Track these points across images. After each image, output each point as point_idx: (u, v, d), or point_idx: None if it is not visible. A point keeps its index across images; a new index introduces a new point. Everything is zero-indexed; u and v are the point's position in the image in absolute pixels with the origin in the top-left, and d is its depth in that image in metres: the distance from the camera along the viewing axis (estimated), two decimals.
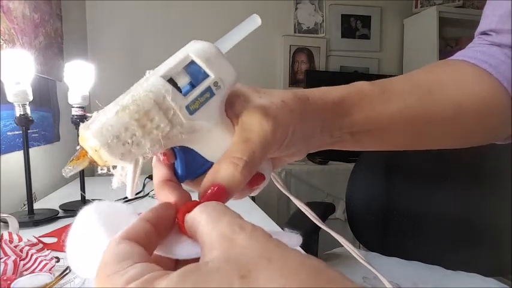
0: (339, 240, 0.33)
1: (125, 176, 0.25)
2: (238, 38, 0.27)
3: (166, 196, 0.25)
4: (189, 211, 0.22)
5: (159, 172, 0.27)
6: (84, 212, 0.24)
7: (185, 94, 0.24)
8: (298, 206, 0.33)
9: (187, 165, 0.26)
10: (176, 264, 0.23)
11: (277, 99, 0.28)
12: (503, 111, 0.36)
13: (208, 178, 0.24)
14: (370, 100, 0.32)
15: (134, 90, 0.23)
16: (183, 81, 0.24)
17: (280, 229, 0.88)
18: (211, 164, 0.26)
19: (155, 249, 0.21)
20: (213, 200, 0.23)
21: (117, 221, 0.24)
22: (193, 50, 0.25)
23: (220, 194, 0.24)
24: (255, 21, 0.27)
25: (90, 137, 0.22)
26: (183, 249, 0.21)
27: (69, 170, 0.24)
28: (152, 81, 0.23)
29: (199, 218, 0.20)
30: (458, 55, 0.39)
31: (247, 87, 0.28)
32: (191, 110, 0.24)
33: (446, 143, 0.38)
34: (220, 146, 0.26)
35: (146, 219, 0.21)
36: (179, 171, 0.26)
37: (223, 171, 0.24)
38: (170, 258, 0.22)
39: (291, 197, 0.32)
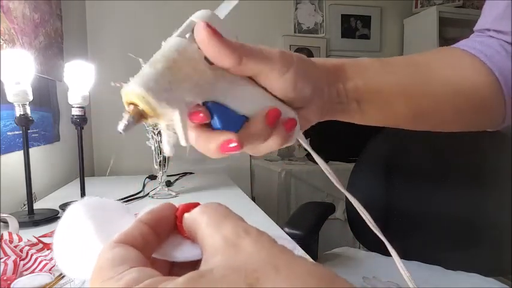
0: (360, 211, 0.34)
1: (173, 132, 0.26)
2: (225, 13, 0.30)
3: None
4: (188, 211, 0.21)
5: None
6: (72, 208, 0.24)
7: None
8: (319, 164, 0.35)
9: (223, 120, 0.27)
10: (171, 266, 0.22)
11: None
12: (494, 100, 0.38)
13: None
14: (370, 70, 0.34)
15: (159, 51, 0.26)
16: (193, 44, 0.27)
17: (280, 229, 0.88)
18: (245, 117, 0.28)
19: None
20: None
21: (108, 216, 0.24)
22: (196, 16, 0.28)
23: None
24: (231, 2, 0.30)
25: (134, 86, 0.24)
26: (182, 252, 0.21)
27: (124, 126, 0.25)
28: (171, 41, 0.27)
29: (200, 219, 0.19)
30: (458, 44, 0.42)
31: None
32: (209, 61, 0.26)
33: (442, 123, 0.41)
34: (246, 97, 0.28)
35: (144, 222, 0.20)
36: (219, 126, 0.27)
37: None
38: (166, 260, 0.21)
39: (313, 154, 0.34)
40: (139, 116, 0.25)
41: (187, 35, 0.27)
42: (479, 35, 0.42)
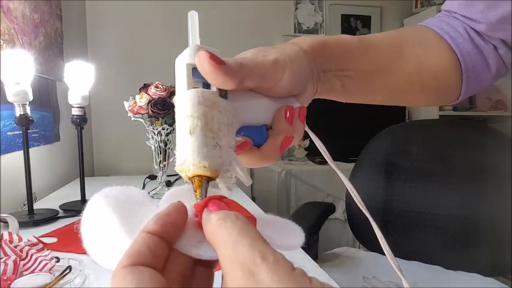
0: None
1: (233, 176, 0.28)
2: (197, 36, 0.30)
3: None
4: (206, 206, 0.21)
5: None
6: (94, 200, 0.24)
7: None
8: (324, 156, 0.36)
9: (258, 137, 0.30)
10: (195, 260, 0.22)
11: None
12: (454, 78, 0.43)
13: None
14: (351, 49, 0.37)
15: (178, 113, 0.27)
16: (200, 85, 0.28)
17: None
18: (265, 125, 0.31)
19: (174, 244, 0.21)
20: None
21: (131, 206, 0.24)
22: (187, 58, 0.28)
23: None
24: (194, 17, 0.30)
25: (190, 161, 0.25)
26: (202, 251, 0.21)
27: (202, 198, 0.25)
28: (188, 96, 0.26)
29: (219, 234, 0.19)
30: (428, 22, 0.46)
31: None
32: (223, 96, 0.27)
33: (412, 99, 0.45)
34: (256, 108, 0.30)
35: (150, 231, 0.20)
36: (261, 142, 0.30)
37: None
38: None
39: (310, 133, 0.36)
40: (207, 183, 0.26)
41: (195, 81, 0.27)
42: (446, 15, 0.45)
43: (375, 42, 0.40)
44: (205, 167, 0.25)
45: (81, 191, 1.06)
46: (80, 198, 1.07)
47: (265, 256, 0.18)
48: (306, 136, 0.35)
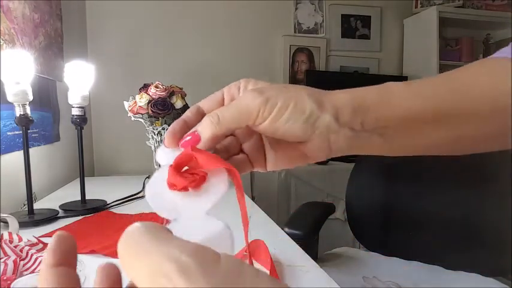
0: None
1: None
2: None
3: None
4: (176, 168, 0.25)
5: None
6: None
7: None
8: None
9: None
10: None
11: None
12: None
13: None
14: (395, 96, 0.30)
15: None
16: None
17: (280, 229, 0.88)
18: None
19: None
20: (189, 143, 0.28)
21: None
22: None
23: (195, 140, 0.28)
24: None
25: None
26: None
27: None
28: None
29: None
30: (498, 52, 0.36)
31: None
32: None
33: (485, 145, 0.36)
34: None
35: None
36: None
37: (202, 122, 0.29)
38: None
39: None
40: None
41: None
42: None
43: (426, 83, 0.32)
44: None
45: (81, 191, 1.06)
46: (80, 198, 1.06)
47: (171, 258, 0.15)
48: None
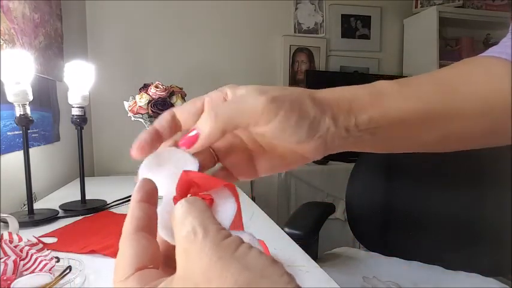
0: None
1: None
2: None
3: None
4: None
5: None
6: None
7: None
8: None
9: None
10: None
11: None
12: None
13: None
14: (387, 97, 0.31)
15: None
16: None
17: (280, 229, 0.88)
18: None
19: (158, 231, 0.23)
20: (189, 140, 0.26)
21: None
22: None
23: (195, 137, 0.27)
24: None
25: None
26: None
27: None
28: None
29: (175, 213, 0.20)
30: (488, 51, 0.36)
31: None
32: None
33: (473, 143, 0.35)
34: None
35: (140, 200, 0.22)
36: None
37: (200, 119, 0.27)
38: None
39: None
40: None
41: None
42: (510, 38, 0.36)
43: (418, 84, 0.33)
44: None
45: (81, 191, 1.06)
46: (80, 198, 1.06)
47: (197, 231, 0.18)
48: None
